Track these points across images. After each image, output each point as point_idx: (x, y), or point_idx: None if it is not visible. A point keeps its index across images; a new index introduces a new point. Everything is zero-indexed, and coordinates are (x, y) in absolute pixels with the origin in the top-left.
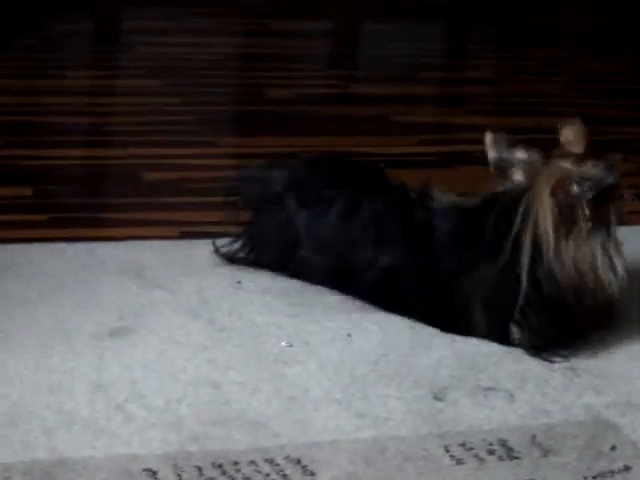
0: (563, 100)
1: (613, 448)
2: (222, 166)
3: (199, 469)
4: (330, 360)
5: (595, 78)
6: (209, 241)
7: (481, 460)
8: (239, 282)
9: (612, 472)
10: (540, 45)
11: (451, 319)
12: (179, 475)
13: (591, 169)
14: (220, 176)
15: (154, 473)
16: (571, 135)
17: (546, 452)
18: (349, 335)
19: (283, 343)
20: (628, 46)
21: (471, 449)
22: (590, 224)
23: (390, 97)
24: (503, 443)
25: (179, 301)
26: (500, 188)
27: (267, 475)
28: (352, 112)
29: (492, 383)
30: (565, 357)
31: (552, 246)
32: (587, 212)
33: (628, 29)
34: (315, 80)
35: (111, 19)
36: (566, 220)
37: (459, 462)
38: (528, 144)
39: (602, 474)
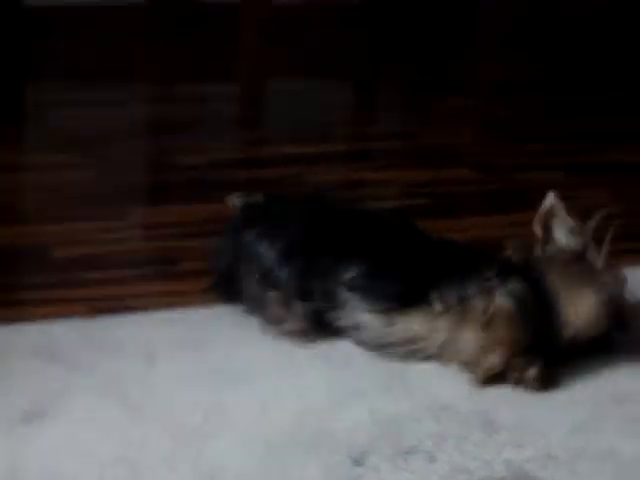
0: (472, 149)
1: None
2: (132, 238)
3: None
4: (246, 432)
5: (501, 125)
6: (123, 317)
7: None
8: (153, 358)
9: None
10: (449, 94)
11: None
12: None
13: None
14: (131, 249)
15: None
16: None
17: None
18: (264, 404)
19: (198, 419)
20: (535, 90)
21: None
22: None
23: (302, 156)
24: None
25: (93, 381)
26: None
27: None
28: (264, 174)
29: (411, 444)
30: None
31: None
32: None
33: (539, 72)
34: (225, 144)
35: (13, 94)
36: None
37: None
38: None
39: None
